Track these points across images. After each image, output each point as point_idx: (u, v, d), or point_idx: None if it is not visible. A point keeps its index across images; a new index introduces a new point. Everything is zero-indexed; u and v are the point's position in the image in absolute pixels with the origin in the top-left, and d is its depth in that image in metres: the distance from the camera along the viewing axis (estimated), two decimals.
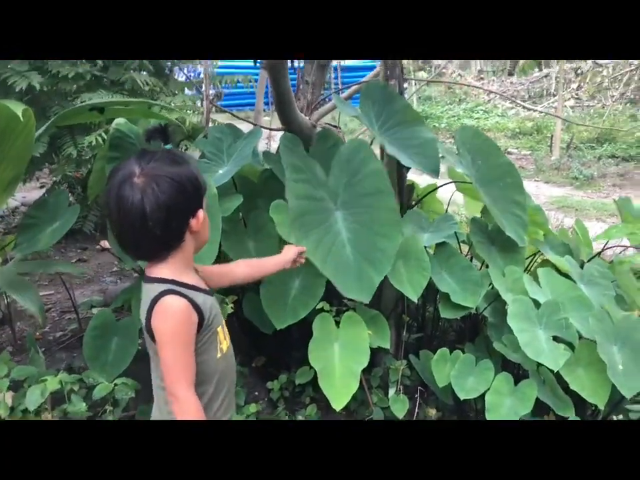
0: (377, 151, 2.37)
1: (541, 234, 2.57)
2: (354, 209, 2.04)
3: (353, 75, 9.20)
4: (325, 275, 1.90)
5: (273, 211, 2.14)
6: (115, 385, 1.93)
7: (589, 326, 1.96)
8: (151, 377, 1.27)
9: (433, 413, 2.28)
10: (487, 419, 1.90)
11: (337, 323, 2.10)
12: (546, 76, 13.31)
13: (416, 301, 2.09)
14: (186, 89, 3.89)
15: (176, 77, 3.79)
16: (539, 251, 2.53)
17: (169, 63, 3.63)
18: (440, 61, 13.33)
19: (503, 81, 14.32)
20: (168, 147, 1.20)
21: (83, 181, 3.90)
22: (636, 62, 9.30)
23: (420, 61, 13.41)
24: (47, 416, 1.83)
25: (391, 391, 2.25)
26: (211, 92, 3.86)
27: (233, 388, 1.36)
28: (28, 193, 5.06)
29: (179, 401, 1.14)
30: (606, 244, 2.74)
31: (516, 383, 1.98)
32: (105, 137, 3.03)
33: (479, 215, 2.50)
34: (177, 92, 3.67)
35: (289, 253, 1.56)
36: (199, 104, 3.62)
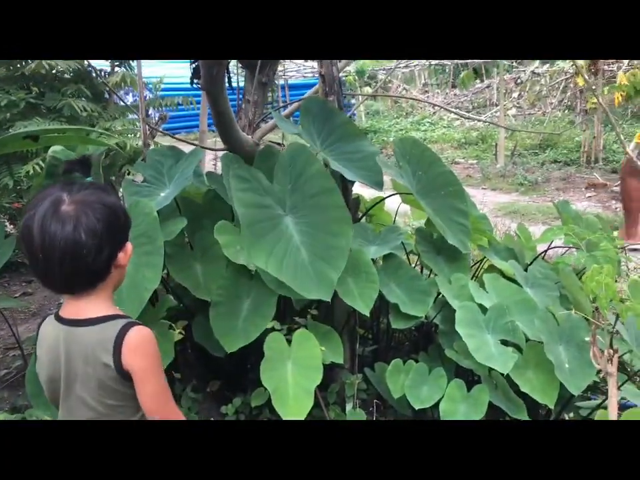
0: None
1: (486, 241, 2.62)
2: (303, 212, 2.04)
3: (299, 92, 9.27)
4: (283, 281, 1.89)
5: (217, 232, 2.11)
6: None
7: (534, 327, 2.00)
8: None
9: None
10: None
11: (289, 342, 2.08)
12: (488, 86, 13.77)
13: (368, 314, 2.09)
14: (129, 113, 3.84)
15: (117, 101, 3.72)
16: (485, 257, 2.58)
17: (107, 88, 3.57)
18: (384, 76, 13.62)
19: (447, 93, 14.73)
20: (89, 179, 1.18)
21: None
22: (571, 70, 9.72)
23: (365, 77, 13.66)
24: None
25: (348, 406, 2.23)
26: (156, 114, 3.82)
27: None
28: None
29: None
30: (550, 245, 2.82)
31: (470, 388, 2.00)
32: (43, 165, 2.95)
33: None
34: (117, 116, 3.60)
35: None
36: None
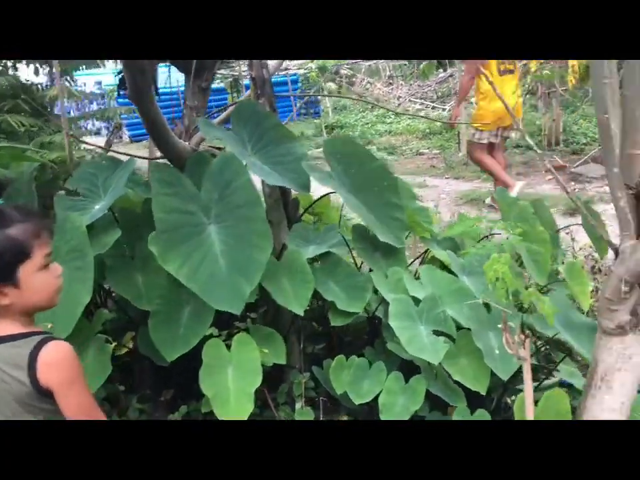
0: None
1: (428, 233, 2.65)
2: (227, 222, 2.05)
3: None
4: (192, 290, 1.90)
5: (151, 242, 2.11)
6: None
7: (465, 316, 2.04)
8: None
9: (344, 419, 2.30)
10: (382, 419, 1.94)
11: (229, 347, 2.09)
12: (450, 75, 13.87)
13: (302, 314, 2.11)
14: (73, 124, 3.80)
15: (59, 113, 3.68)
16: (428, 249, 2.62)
17: (47, 100, 3.53)
18: (349, 71, 13.66)
19: (411, 84, 14.80)
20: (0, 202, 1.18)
21: None
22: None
23: (329, 72, 13.67)
24: None
25: (297, 406, 2.25)
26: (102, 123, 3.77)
27: None
28: None
29: None
30: (492, 232, 2.86)
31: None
32: None
33: None
34: (60, 130, 3.56)
35: None
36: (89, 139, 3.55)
